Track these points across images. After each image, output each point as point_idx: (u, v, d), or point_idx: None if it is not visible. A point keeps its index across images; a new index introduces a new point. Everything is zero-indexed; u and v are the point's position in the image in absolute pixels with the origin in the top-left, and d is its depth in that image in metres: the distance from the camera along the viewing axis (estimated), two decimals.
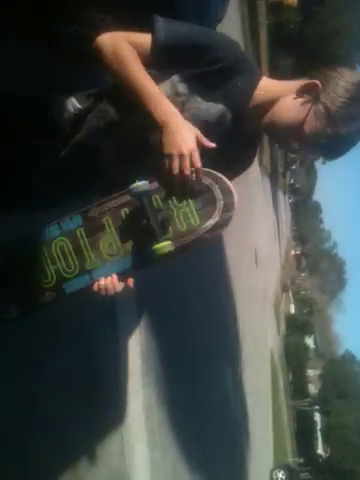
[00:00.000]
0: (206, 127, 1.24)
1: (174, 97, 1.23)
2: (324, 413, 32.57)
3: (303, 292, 48.22)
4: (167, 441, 4.54)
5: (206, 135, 1.19)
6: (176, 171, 1.14)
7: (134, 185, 1.16)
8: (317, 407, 34.62)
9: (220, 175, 1.21)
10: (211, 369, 7.25)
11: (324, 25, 26.78)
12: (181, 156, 1.13)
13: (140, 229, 1.20)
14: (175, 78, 1.24)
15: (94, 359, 3.16)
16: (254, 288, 14.87)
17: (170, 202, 1.21)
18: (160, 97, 1.16)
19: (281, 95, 1.28)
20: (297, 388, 35.29)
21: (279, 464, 16.20)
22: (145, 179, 1.17)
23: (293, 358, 33.98)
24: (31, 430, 2.35)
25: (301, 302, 45.87)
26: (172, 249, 1.16)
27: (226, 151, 1.28)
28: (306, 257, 60.86)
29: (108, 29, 1.24)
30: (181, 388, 5.24)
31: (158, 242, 1.16)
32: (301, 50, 26.73)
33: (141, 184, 1.16)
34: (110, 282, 1.23)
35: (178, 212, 1.21)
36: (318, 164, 54.46)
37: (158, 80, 1.21)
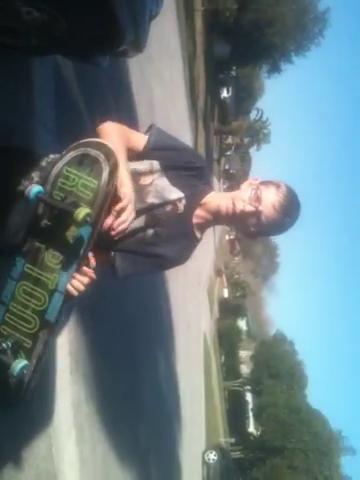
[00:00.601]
0: (164, 203, 1.60)
1: (148, 173, 1.60)
2: (255, 393, 33.67)
3: (236, 276, 49.28)
4: (96, 436, 4.55)
5: (162, 209, 1.60)
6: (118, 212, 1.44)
7: (26, 191, 1.30)
8: (249, 387, 35.79)
9: (87, 139, 1.40)
10: (144, 358, 7.31)
11: (260, 13, 27.07)
12: (125, 206, 1.45)
13: (59, 223, 1.32)
14: (155, 162, 1.61)
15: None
16: (188, 275, 15.06)
17: (66, 187, 1.34)
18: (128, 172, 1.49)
19: (226, 196, 1.68)
20: (229, 369, 36.29)
21: (211, 445, 16.65)
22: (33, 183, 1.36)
23: (226, 340, 34.86)
24: None
25: (234, 286, 46.93)
26: (89, 210, 1.29)
27: (171, 229, 1.63)
28: (240, 242, 62.20)
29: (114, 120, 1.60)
30: (112, 381, 5.26)
31: (74, 216, 1.28)
32: (237, 38, 26.96)
33: (30, 187, 1.31)
34: (75, 282, 1.39)
35: (78, 188, 1.34)
36: (252, 151, 55.48)
37: (142, 159, 1.61)
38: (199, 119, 23.06)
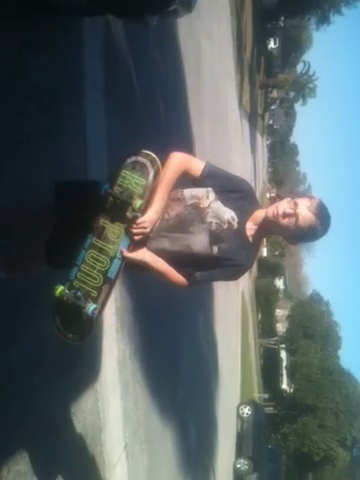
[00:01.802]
0: (221, 221, 1.98)
1: (205, 198, 1.99)
2: (290, 352, 33.99)
3: None
4: (139, 391, 4.72)
5: (221, 228, 1.98)
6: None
7: (101, 190, 1.87)
8: (283, 345, 36.10)
9: (138, 151, 1.89)
10: (184, 318, 7.44)
11: None
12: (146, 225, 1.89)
13: (119, 209, 1.85)
14: (210, 188, 2.00)
15: None
16: None
17: (123, 184, 1.86)
18: (162, 201, 1.95)
19: (271, 206, 2.05)
20: (265, 327, 36.57)
21: (245, 400, 17.03)
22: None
23: (263, 299, 34.98)
24: (7, 395, 2.41)
25: (273, 245, 46.60)
26: (142, 201, 1.84)
27: (232, 243, 2.00)
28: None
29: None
30: (154, 339, 5.39)
31: (132, 205, 1.83)
32: None
33: (102, 188, 1.87)
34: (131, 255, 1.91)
35: (132, 185, 1.86)
36: (297, 106, 53.70)
37: (200, 186, 2.02)
38: (245, 72, 22.35)
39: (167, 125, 6.11)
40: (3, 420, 2.35)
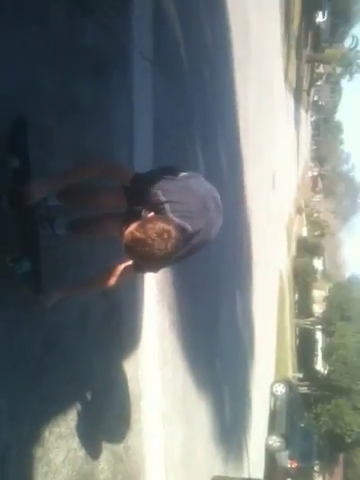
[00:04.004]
0: None
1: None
2: (326, 333, 33.56)
3: (316, 214, 47.84)
4: (178, 361, 4.74)
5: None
6: None
7: None
8: (320, 327, 35.68)
9: None
10: (222, 293, 7.40)
11: None
12: None
13: None
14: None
15: (112, 292, 3.21)
16: (270, 212, 14.79)
17: None
18: None
19: None
20: (302, 307, 36.19)
21: (280, 378, 16.98)
22: None
23: (300, 279, 34.55)
24: (52, 363, 2.44)
25: (313, 225, 45.69)
26: None
27: None
28: (322, 179, 59.75)
29: None
30: (192, 312, 5.39)
31: None
32: None
33: None
34: None
35: None
36: (344, 82, 51.87)
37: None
38: (292, 45, 21.68)
39: (213, 94, 5.99)
40: (47, 382, 2.38)
